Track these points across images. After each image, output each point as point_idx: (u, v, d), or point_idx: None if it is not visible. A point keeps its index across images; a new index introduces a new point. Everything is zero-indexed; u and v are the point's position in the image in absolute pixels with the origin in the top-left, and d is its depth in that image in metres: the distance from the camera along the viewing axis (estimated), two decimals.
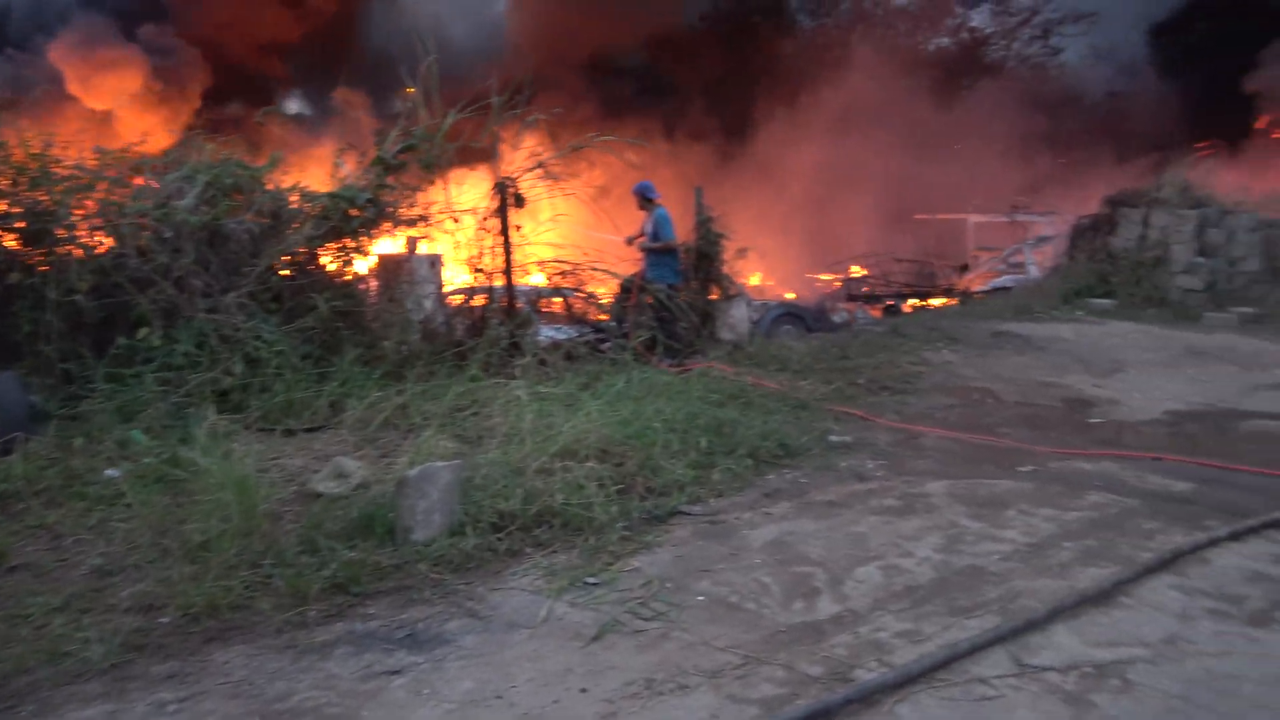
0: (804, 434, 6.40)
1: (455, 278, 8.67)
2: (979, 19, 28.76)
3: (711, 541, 4.57)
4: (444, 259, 8.40)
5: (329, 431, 6.10)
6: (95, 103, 18.71)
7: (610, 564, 4.24)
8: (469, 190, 8.43)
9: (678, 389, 6.89)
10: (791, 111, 21.77)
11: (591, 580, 4.06)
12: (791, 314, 13.26)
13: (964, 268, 17.01)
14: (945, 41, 27.86)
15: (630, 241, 9.25)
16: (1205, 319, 11.99)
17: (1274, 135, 26.53)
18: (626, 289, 8.93)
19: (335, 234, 7.24)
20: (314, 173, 8.44)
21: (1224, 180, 14.27)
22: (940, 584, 4.04)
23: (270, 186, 7.17)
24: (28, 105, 16.15)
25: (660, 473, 5.25)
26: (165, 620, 3.65)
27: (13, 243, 6.34)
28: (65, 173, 6.49)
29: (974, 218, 17.94)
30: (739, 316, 10.58)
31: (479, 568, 4.20)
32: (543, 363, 7.44)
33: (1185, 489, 5.40)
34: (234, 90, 20.53)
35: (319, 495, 4.89)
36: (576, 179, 8.67)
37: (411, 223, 7.81)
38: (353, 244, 7.41)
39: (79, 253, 6.28)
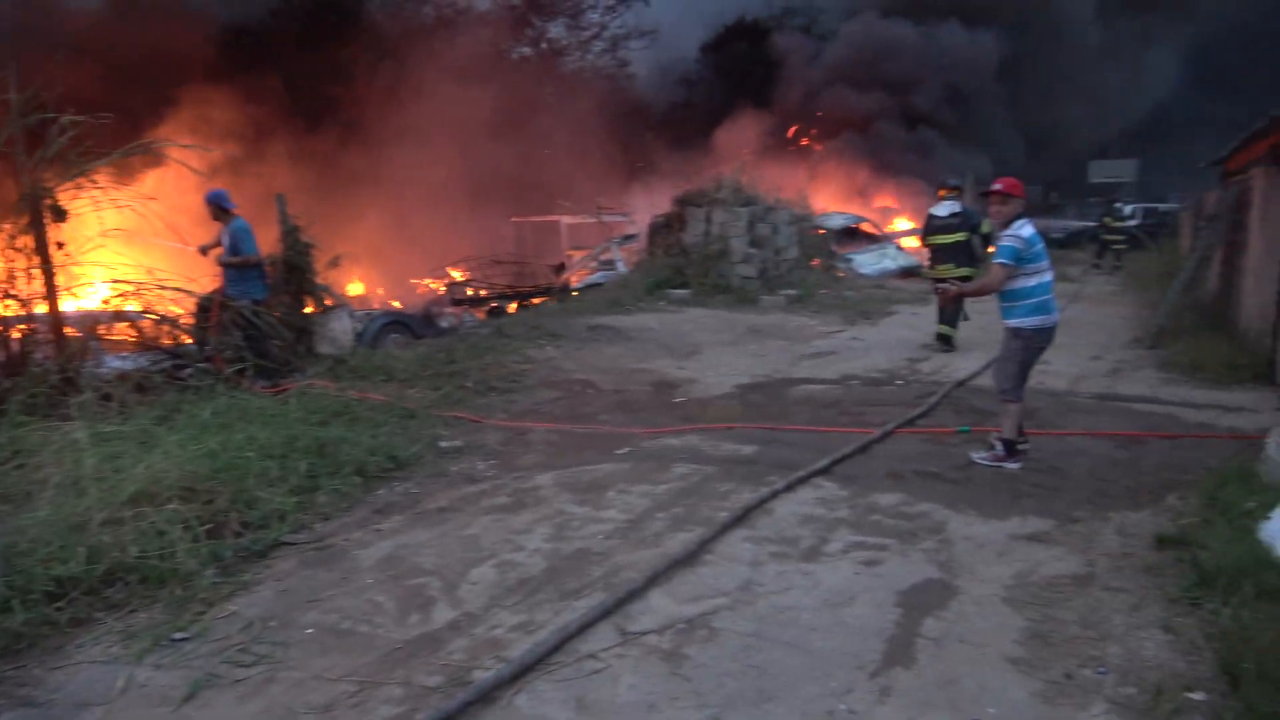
0: (414, 443, 6.32)
1: None
2: (555, 30, 30.40)
3: (319, 569, 4.33)
4: None
5: None
6: None
7: (202, 613, 3.84)
8: None
9: (274, 412, 6.43)
10: (386, 117, 21.32)
11: (180, 635, 3.65)
12: (397, 322, 13.00)
13: (560, 267, 17.88)
14: (527, 50, 29.02)
15: (204, 251, 8.41)
16: (761, 302, 13.83)
17: (803, 143, 31.41)
18: (205, 308, 8.12)
19: None
20: None
21: (765, 181, 16.54)
22: (551, 572, 4.22)
23: None
24: None
25: (257, 504, 4.86)
26: None
27: None
28: None
29: (566, 219, 18.91)
30: (339, 329, 10.12)
31: (33, 647, 3.58)
32: (106, 398, 6.50)
33: (751, 451, 6.19)
34: None
35: None
36: (132, 187, 7.68)
37: None
38: None
39: None
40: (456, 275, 17.50)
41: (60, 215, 7.01)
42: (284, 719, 3.07)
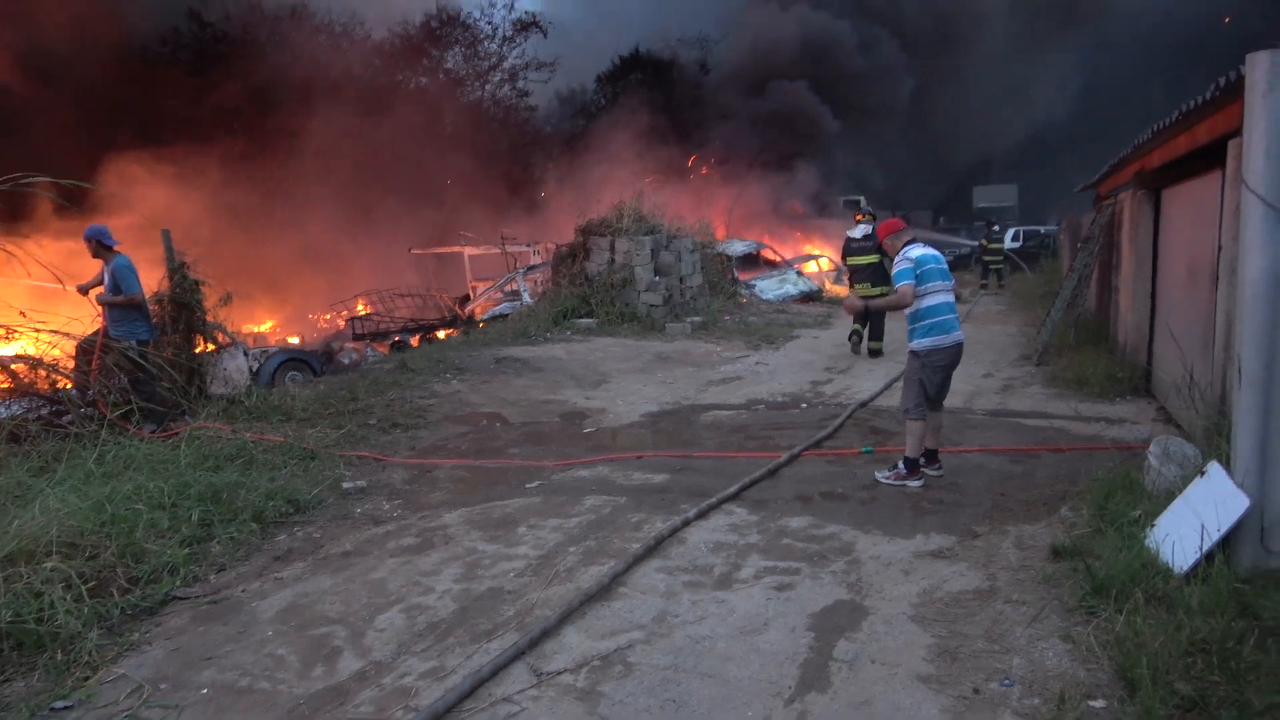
0: (315, 485, 6.10)
1: None
2: (452, 61, 30.24)
3: (214, 624, 4.11)
4: None
5: None
6: None
7: (86, 679, 3.59)
8: None
9: (163, 459, 6.11)
10: (280, 147, 20.79)
11: (61, 704, 3.40)
12: (296, 359, 12.62)
13: (465, 298, 17.68)
14: (424, 81, 28.76)
15: (84, 290, 7.98)
16: (667, 329, 13.95)
17: (703, 171, 31.95)
18: (87, 350, 7.70)
19: None
20: None
21: (668, 210, 16.75)
22: (461, 614, 4.11)
23: None
24: None
25: (146, 558, 4.60)
26: None
27: None
28: None
29: (469, 250, 18.75)
30: (234, 368, 9.74)
31: None
32: None
33: (662, 480, 6.19)
34: None
35: None
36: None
37: None
38: None
39: None
40: (358, 309, 17.11)
41: None
42: None
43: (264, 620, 4.13)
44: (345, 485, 6.23)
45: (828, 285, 21.14)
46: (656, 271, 15.17)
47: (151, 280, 8.43)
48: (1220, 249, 5.63)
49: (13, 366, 7.53)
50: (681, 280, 15.70)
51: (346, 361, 13.85)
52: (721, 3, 35.39)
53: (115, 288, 7.63)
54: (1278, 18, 26.65)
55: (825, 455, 6.76)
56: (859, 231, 11.68)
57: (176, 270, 8.46)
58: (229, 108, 21.35)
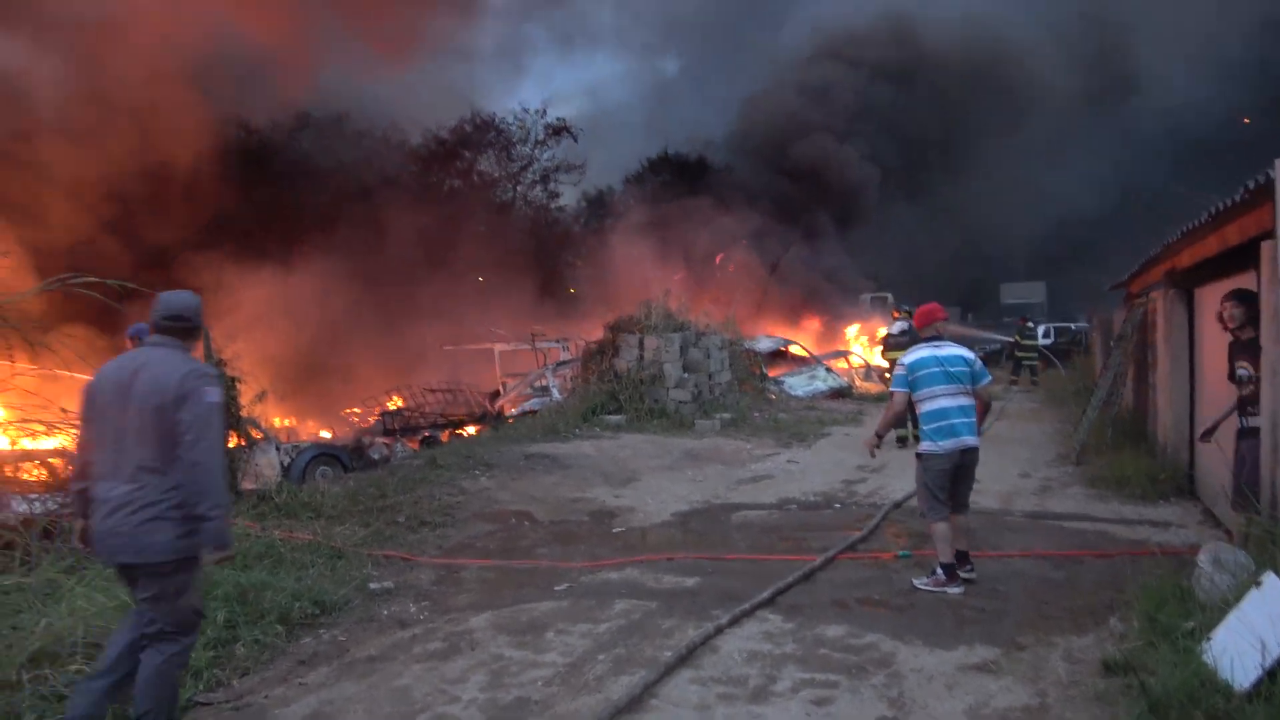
0: (342, 586, 6.03)
1: None
2: (485, 164, 31.27)
3: None
4: None
5: None
6: None
7: None
8: None
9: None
10: (317, 247, 21.37)
11: None
12: (326, 454, 12.67)
13: (495, 394, 17.77)
14: (457, 183, 29.67)
15: None
16: (696, 426, 13.88)
17: (730, 269, 32.37)
18: None
19: None
20: None
21: (696, 307, 16.91)
22: None
23: None
24: None
25: None
26: None
27: None
28: None
29: (499, 346, 18.95)
30: (265, 463, 9.81)
31: None
32: (9, 546, 6.10)
33: (693, 584, 6.05)
34: None
35: None
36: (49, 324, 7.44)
37: None
38: None
39: None
40: (389, 404, 17.24)
41: None
42: None
43: None
44: (372, 586, 6.15)
45: (858, 381, 21.04)
46: (685, 368, 15.21)
47: None
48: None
49: (50, 461, 7.62)
50: (710, 377, 15.71)
51: (376, 457, 13.87)
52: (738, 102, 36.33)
53: None
54: None
55: (861, 558, 6.60)
56: (897, 327, 12.57)
57: (215, 366, 8.59)
58: (270, 209, 22.05)
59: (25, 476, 7.63)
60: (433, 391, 17.42)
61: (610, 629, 5.17)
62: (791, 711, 4.00)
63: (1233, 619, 3.98)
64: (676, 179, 35.36)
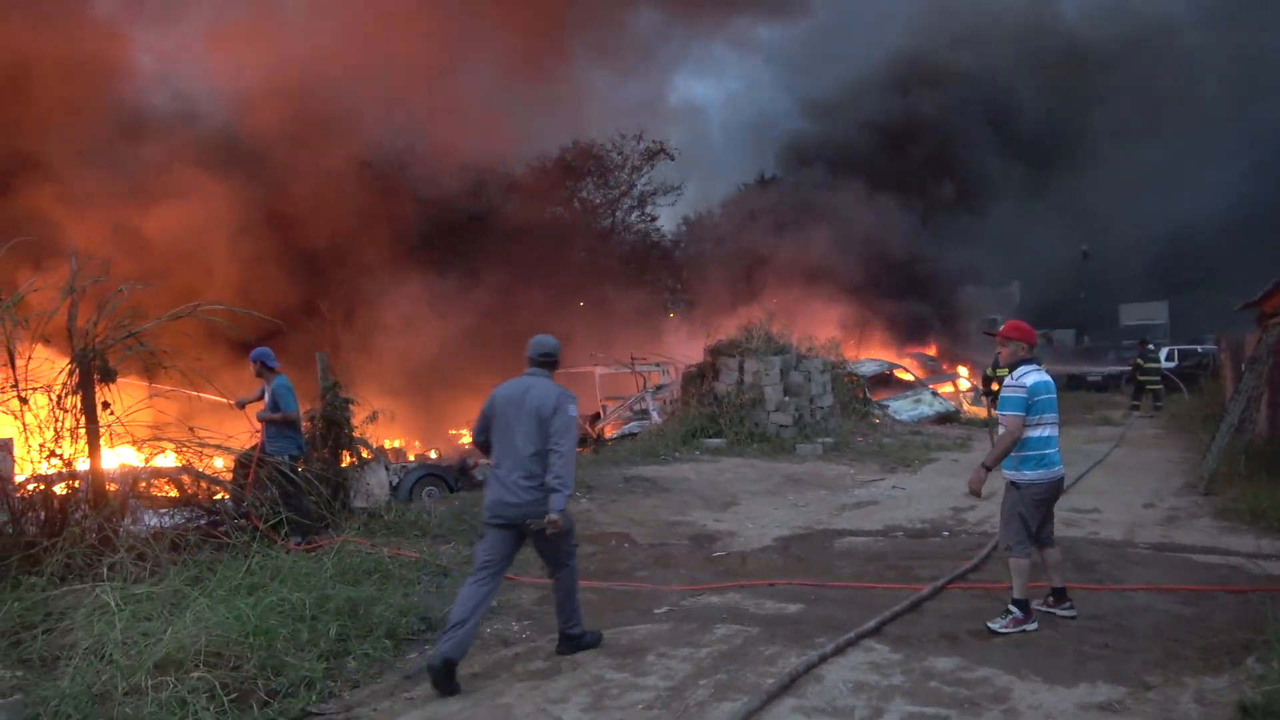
0: (447, 603, 6.11)
1: (29, 466, 7.36)
2: (586, 191, 31.75)
3: None
4: (13, 445, 7.12)
5: None
6: None
7: None
8: (44, 365, 7.31)
9: (307, 571, 6.31)
10: (423, 274, 22.05)
11: None
12: (433, 474, 12.97)
13: (595, 417, 17.92)
14: (559, 210, 30.20)
15: (242, 405, 8.56)
16: (798, 450, 13.68)
17: (833, 292, 31.82)
18: (244, 464, 8.16)
19: None
20: None
21: (797, 329, 16.70)
22: None
23: None
24: None
25: (284, 670, 4.70)
26: None
27: None
28: None
29: (599, 369, 19.12)
30: (376, 483, 10.12)
31: None
32: (141, 557, 6.45)
33: (796, 610, 5.94)
34: None
35: None
36: (179, 350, 7.88)
37: None
38: None
39: None
40: None
41: (109, 376, 7.17)
42: None
43: None
44: None
45: (965, 406, 20.37)
46: (786, 392, 15.03)
47: (306, 399, 8.94)
48: None
49: (180, 478, 8.05)
50: (812, 400, 15.48)
51: (480, 478, 14.14)
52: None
53: (274, 405, 8.12)
54: None
55: (972, 589, 6.35)
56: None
57: (329, 389, 8.94)
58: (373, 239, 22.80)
59: (155, 493, 8.10)
60: None
61: (711, 654, 5.11)
62: None
63: None
64: (778, 196, 34.97)
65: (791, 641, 5.25)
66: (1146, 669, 4.66)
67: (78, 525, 6.69)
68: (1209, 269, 35.13)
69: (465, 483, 13.47)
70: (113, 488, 7.25)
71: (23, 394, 6.94)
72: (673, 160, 32.61)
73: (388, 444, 15.31)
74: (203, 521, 7.70)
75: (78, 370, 7.04)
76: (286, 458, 8.06)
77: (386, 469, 12.26)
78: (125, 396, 7.51)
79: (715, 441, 14.00)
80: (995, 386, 10.04)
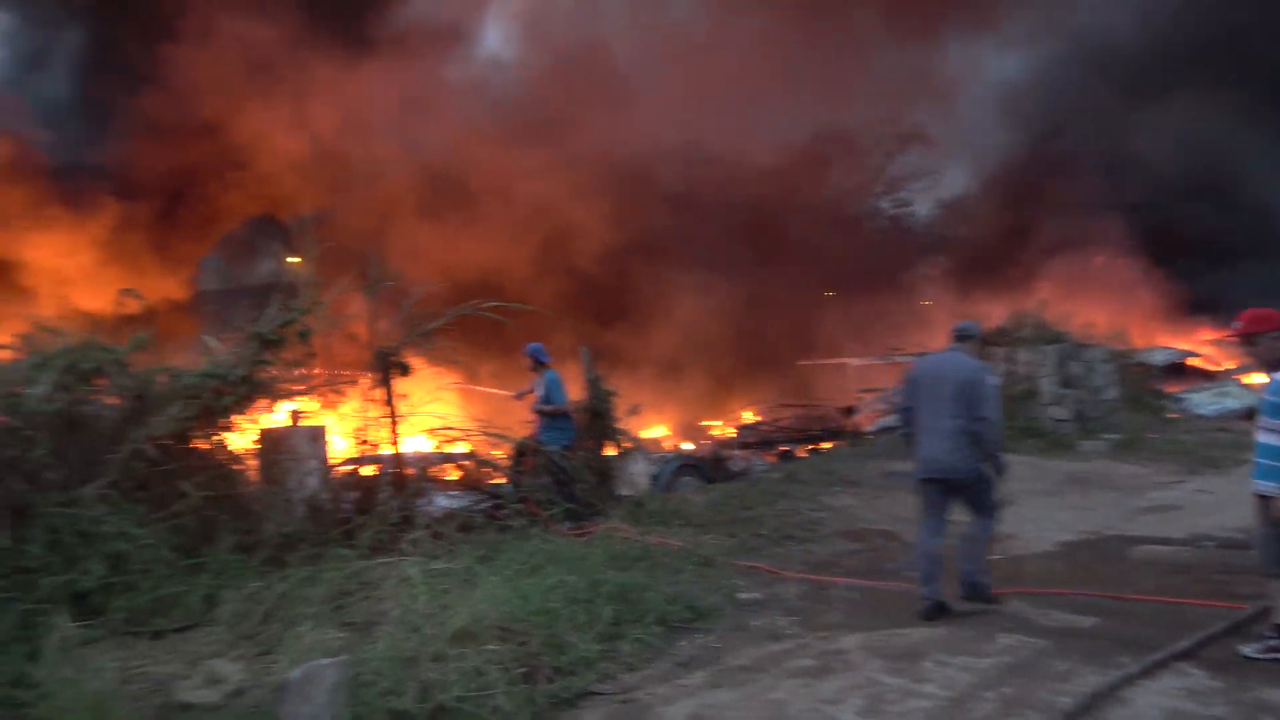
0: (712, 593, 6.22)
1: (342, 450, 8.32)
2: (836, 178, 30.96)
3: None
4: (327, 431, 8.07)
5: (203, 629, 5.57)
6: None
7: None
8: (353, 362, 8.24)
9: (579, 555, 6.63)
10: (674, 265, 22.52)
11: None
12: (689, 465, 13.22)
13: (850, 409, 17.47)
14: (811, 199, 29.69)
15: (519, 396, 9.17)
16: (1079, 447, 12.54)
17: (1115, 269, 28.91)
18: (522, 452, 8.74)
19: (207, 414, 6.85)
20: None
21: (1076, 316, 15.33)
22: None
23: (134, 368, 6.79)
24: None
25: (566, 650, 4.94)
26: None
27: None
28: None
29: (854, 361, 18.64)
30: (637, 472, 10.46)
31: None
32: (436, 535, 7.07)
33: (1090, 624, 5.43)
34: None
35: (189, 707, 4.39)
36: (459, 346, 8.58)
37: (290, 397, 7.51)
38: (224, 423, 7.03)
39: None
40: (747, 417, 17.64)
41: (405, 371, 7.93)
42: None
43: None
44: (741, 595, 6.28)
45: None
46: (1063, 383, 13.84)
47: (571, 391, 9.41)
48: None
49: (465, 464, 8.77)
50: (1094, 393, 14.14)
51: (734, 469, 14.23)
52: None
53: (547, 398, 8.63)
54: None
55: None
56: None
57: (594, 382, 9.36)
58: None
59: (446, 477, 8.87)
60: (789, 405, 17.54)
61: (994, 665, 4.79)
62: None
63: None
64: (1040, 175, 32.25)
65: (1087, 658, 4.80)
66: None
67: (383, 504, 7.46)
68: None
69: (720, 474, 13.61)
70: (409, 471, 8.02)
71: (337, 387, 7.84)
72: (930, 144, 31.08)
73: (644, 433, 15.80)
74: (487, 505, 8.33)
75: (379, 366, 7.85)
76: (559, 447, 8.52)
77: (645, 459, 12.65)
78: (415, 389, 8.29)
79: None
80: None
